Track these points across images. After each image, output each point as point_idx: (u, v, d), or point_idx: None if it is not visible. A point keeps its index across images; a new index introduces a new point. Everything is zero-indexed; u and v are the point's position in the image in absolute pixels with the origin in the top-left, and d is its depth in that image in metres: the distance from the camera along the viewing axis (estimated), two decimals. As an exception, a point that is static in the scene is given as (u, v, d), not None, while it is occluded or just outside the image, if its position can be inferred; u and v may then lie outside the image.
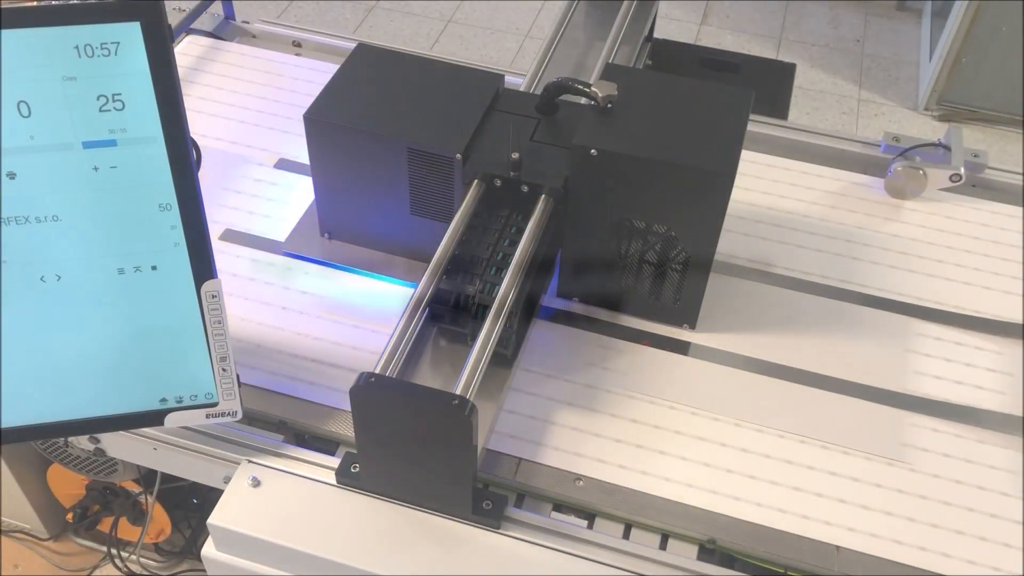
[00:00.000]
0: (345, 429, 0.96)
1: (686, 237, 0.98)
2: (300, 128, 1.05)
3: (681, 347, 1.06)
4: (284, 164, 1.28)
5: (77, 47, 0.70)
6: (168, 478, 1.28)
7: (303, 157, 1.18)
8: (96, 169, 0.74)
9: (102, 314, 0.80)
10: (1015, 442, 0.98)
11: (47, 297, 0.78)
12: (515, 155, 0.99)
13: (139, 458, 1.04)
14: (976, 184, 1.29)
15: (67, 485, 1.43)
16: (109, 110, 0.72)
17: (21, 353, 0.79)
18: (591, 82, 1.00)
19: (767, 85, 1.46)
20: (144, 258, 0.78)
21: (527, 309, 1.03)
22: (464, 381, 0.82)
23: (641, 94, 1.02)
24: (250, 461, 0.92)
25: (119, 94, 0.72)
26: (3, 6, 0.69)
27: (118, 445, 1.03)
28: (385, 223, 1.11)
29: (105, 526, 1.48)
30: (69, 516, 1.46)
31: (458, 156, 1.00)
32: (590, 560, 0.86)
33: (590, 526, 0.91)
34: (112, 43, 0.71)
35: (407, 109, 1.06)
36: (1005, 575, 0.87)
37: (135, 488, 1.39)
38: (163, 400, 0.84)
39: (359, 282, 1.12)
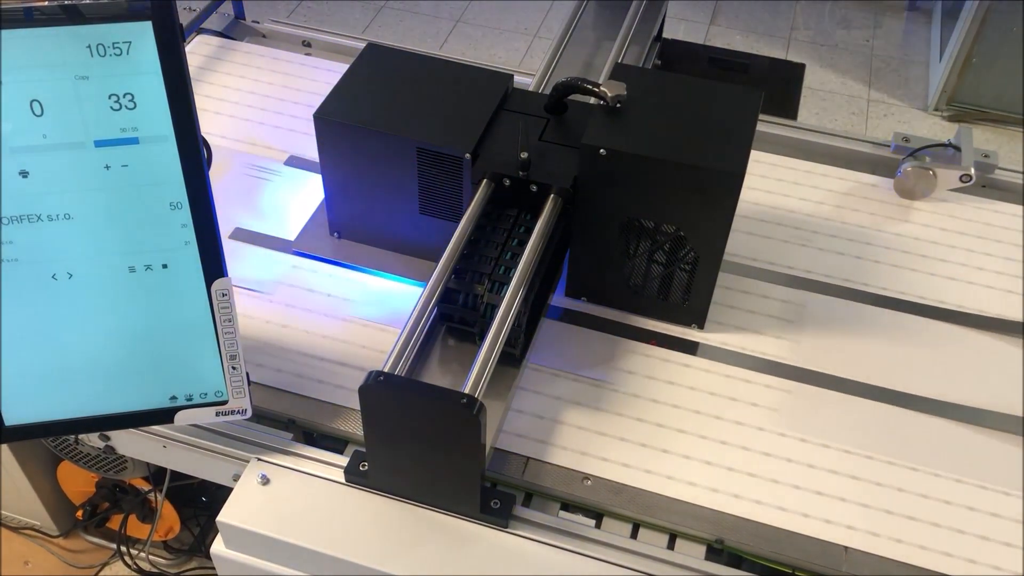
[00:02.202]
0: (354, 427, 0.96)
1: (695, 237, 0.98)
2: (310, 127, 1.06)
3: (690, 347, 1.06)
4: (294, 163, 1.28)
5: (89, 46, 0.71)
6: (177, 476, 1.28)
7: (313, 156, 1.18)
8: (108, 168, 0.74)
9: (113, 312, 0.80)
10: (1017, 441, 0.98)
11: (58, 295, 0.78)
12: (524, 155, 0.99)
13: (149, 456, 1.05)
14: (986, 184, 1.29)
15: (77, 482, 1.44)
16: (121, 109, 0.73)
17: (32, 350, 0.80)
18: (600, 82, 1.00)
19: (776, 85, 1.46)
20: (155, 256, 0.79)
21: (535, 308, 1.03)
22: (472, 380, 0.82)
23: (650, 94, 1.02)
24: (259, 459, 0.93)
25: (131, 93, 0.73)
26: (17, 5, 0.70)
27: (128, 443, 1.04)
28: (394, 222, 1.11)
29: (115, 523, 1.48)
30: (79, 513, 1.47)
31: (467, 156, 1.00)
32: (598, 559, 0.86)
33: (598, 525, 0.91)
34: (124, 42, 0.71)
35: (416, 109, 1.06)
36: (1008, 575, 0.87)
37: (145, 486, 1.40)
38: (173, 398, 0.85)
39: (368, 281, 1.13)
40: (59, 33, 0.70)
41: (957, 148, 1.25)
